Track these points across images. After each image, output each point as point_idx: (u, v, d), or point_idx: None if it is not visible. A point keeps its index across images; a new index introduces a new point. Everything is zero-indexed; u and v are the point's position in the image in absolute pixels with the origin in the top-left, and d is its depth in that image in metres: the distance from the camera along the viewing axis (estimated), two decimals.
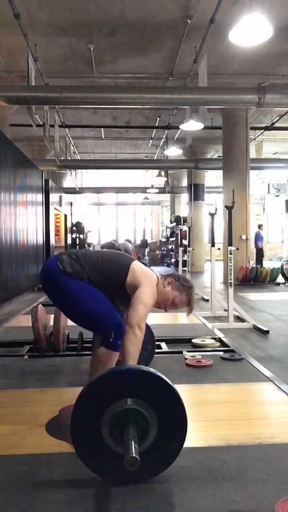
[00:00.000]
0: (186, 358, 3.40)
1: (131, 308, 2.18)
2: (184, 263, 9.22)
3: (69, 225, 14.57)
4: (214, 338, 4.07)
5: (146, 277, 2.30)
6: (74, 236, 14.11)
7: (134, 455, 1.52)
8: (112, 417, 1.66)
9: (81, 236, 14.46)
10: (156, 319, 5.17)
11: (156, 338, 3.70)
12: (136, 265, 2.36)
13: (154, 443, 1.69)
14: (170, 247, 19.15)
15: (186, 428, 1.71)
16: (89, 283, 2.26)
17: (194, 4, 6.36)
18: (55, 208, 11.72)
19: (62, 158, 13.59)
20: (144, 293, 2.21)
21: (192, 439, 2.07)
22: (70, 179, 18.14)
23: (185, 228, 14.91)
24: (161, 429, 1.68)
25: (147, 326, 2.66)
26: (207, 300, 7.06)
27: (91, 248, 14.46)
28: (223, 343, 3.95)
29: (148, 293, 2.23)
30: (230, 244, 5.46)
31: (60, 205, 12.84)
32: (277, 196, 18.97)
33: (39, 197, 10.18)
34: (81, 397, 1.68)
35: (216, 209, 6.55)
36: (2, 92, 7.49)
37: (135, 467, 1.51)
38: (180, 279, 2.43)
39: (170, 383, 1.70)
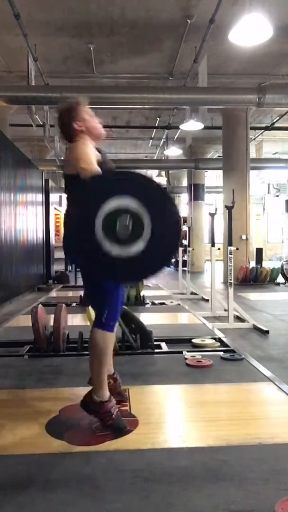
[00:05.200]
0: (186, 358, 3.40)
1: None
2: (184, 263, 9.21)
3: None
4: (214, 338, 4.07)
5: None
6: None
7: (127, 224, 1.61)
8: (105, 218, 1.68)
9: None
10: (156, 319, 5.17)
11: (156, 338, 3.71)
12: None
13: (149, 240, 1.71)
14: None
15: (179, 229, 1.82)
16: None
17: (194, 4, 6.36)
18: (55, 208, 11.72)
19: (62, 158, 13.59)
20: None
21: (192, 439, 2.08)
22: None
23: (185, 228, 14.89)
24: (155, 228, 1.71)
25: None
26: (207, 300, 7.06)
27: None
28: (223, 343, 3.95)
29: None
30: (230, 244, 5.46)
31: (60, 205, 12.84)
32: (277, 196, 18.97)
33: (39, 197, 10.18)
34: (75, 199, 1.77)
35: (216, 209, 6.55)
36: (2, 92, 7.50)
37: (127, 231, 1.59)
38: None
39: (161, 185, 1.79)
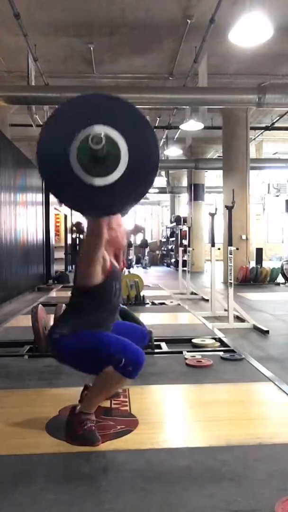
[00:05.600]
0: (186, 358, 3.40)
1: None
2: (184, 263, 9.21)
3: (69, 225, 14.57)
4: (214, 338, 4.07)
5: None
6: (74, 236, 14.13)
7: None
8: (80, 144, 1.64)
9: (81, 236, 14.47)
10: (156, 319, 5.17)
11: (156, 338, 3.70)
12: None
13: (125, 169, 1.66)
14: (170, 247, 19.15)
15: (157, 159, 1.71)
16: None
17: (194, 4, 6.36)
18: (55, 208, 11.72)
19: None
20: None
21: (192, 439, 2.08)
22: None
23: (185, 228, 14.91)
24: (132, 157, 1.66)
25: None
26: (207, 300, 7.06)
27: None
28: (223, 343, 3.95)
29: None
30: (230, 244, 5.46)
31: (60, 205, 12.83)
32: (277, 196, 18.99)
33: (39, 197, 10.18)
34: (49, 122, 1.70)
35: (216, 209, 6.55)
36: (2, 92, 7.50)
37: (100, 144, 1.55)
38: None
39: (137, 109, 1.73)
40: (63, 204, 1.91)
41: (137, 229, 2.94)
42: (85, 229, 2.05)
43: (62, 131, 1.66)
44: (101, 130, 1.63)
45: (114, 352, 1.98)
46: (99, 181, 1.66)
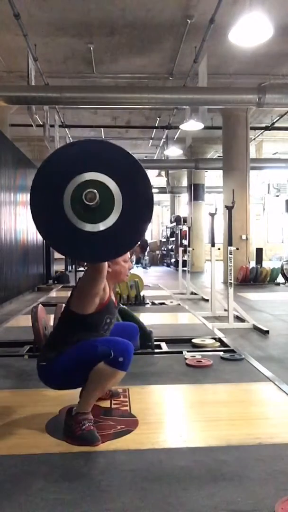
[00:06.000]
0: (186, 358, 3.40)
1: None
2: (184, 263, 9.21)
3: None
4: (214, 338, 4.07)
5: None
6: None
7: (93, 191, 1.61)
8: (73, 193, 1.65)
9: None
10: (156, 319, 5.17)
11: (156, 338, 3.71)
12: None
13: (119, 216, 1.68)
14: (170, 247, 19.15)
15: (151, 195, 1.74)
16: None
17: (194, 4, 6.36)
18: None
19: None
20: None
21: (192, 439, 2.08)
22: None
23: (185, 228, 14.90)
24: (125, 200, 1.68)
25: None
26: (207, 300, 7.06)
27: None
28: (223, 343, 3.95)
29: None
30: (230, 244, 5.46)
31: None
32: (277, 196, 18.98)
33: None
34: (37, 178, 1.70)
35: (216, 209, 6.55)
36: (2, 92, 7.50)
37: (93, 200, 1.60)
38: None
39: (128, 152, 1.73)
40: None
41: (144, 247, 2.95)
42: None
43: (55, 178, 1.68)
44: (93, 177, 1.65)
45: (101, 348, 1.99)
46: (94, 227, 1.67)
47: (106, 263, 1.98)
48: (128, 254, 2.36)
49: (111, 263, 2.22)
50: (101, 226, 1.68)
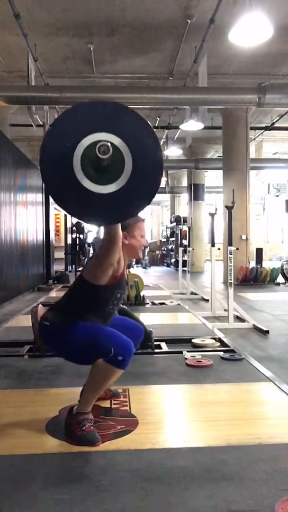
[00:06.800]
0: (186, 358, 3.40)
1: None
2: (184, 263, 9.21)
3: (69, 225, 14.57)
4: (214, 338, 4.07)
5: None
6: (74, 236, 14.14)
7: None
8: (83, 155, 1.63)
9: (81, 236, 14.47)
10: (156, 319, 5.17)
11: (156, 338, 3.71)
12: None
13: (129, 178, 1.66)
14: (170, 247, 19.15)
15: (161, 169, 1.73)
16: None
17: (194, 4, 6.36)
18: (55, 208, 11.72)
19: None
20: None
21: (192, 439, 2.08)
22: None
23: (185, 228, 14.91)
24: (136, 165, 1.66)
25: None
26: (207, 300, 7.06)
27: (90, 249, 14.42)
28: (223, 343, 3.95)
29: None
30: (230, 244, 5.46)
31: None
32: (277, 196, 18.98)
33: (39, 197, 10.18)
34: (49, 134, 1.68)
35: (216, 209, 6.56)
36: (2, 92, 7.50)
37: (107, 153, 1.55)
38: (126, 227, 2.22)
39: (141, 116, 1.70)
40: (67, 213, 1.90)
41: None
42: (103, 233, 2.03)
43: (66, 137, 1.65)
44: (105, 137, 1.63)
45: (103, 342, 1.99)
46: (104, 189, 1.66)
47: (121, 234, 1.96)
48: (145, 229, 2.35)
49: (128, 236, 2.22)
50: (113, 187, 1.66)
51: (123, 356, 1.98)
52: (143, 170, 1.68)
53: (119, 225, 1.92)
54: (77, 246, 13.46)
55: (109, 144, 1.58)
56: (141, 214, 2.10)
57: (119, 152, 1.65)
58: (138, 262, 19.13)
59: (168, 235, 19.77)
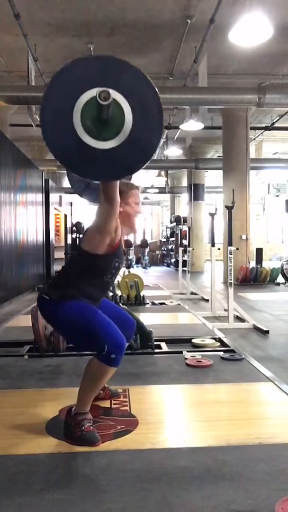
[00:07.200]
0: (186, 358, 3.40)
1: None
2: (184, 263, 9.21)
3: (69, 225, 14.56)
4: (214, 338, 4.07)
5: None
6: (74, 236, 14.12)
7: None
8: (83, 110, 1.62)
9: (81, 236, 14.47)
10: (156, 319, 5.17)
11: (156, 338, 3.71)
12: None
13: (130, 134, 1.64)
14: (170, 247, 19.16)
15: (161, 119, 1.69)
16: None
17: (194, 4, 6.36)
18: (55, 208, 11.71)
19: None
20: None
21: (192, 439, 2.08)
22: None
23: (185, 228, 14.91)
24: (136, 120, 1.64)
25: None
26: (207, 300, 7.06)
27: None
28: (223, 343, 3.95)
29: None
30: (230, 244, 5.46)
31: (60, 205, 12.83)
32: (277, 196, 18.99)
33: (39, 197, 10.17)
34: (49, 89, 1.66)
35: (216, 209, 6.56)
36: (2, 92, 7.50)
37: (108, 99, 1.52)
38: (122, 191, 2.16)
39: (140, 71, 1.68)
40: (67, 169, 1.89)
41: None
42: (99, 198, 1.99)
43: (65, 92, 1.64)
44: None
45: (98, 336, 2.00)
46: (105, 144, 1.64)
47: (119, 198, 1.95)
48: (140, 197, 2.33)
49: (123, 203, 2.16)
50: (113, 143, 1.65)
51: (116, 354, 1.99)
52: (143, 126, 1.66)
53: (118, 188, 1.91)
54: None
55: (110, 91, 1.55)
56: (135, 182, 2.14)
57: (119, 107, 1.63)
58: (138, 262, 19.14)
59: (168, 235, 19.78)
